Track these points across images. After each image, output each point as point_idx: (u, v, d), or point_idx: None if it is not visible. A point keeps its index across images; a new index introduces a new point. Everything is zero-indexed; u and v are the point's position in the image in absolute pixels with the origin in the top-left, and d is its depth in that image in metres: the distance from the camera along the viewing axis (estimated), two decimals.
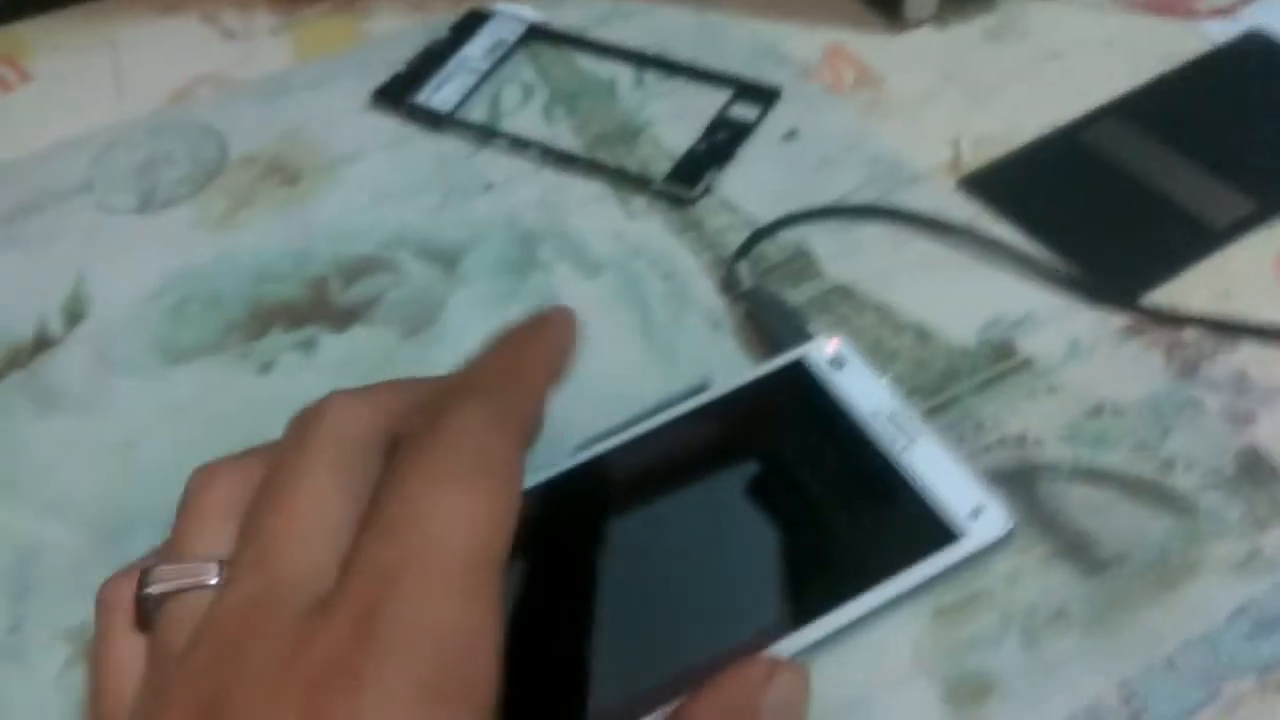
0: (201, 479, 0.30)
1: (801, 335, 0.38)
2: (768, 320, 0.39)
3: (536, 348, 0.31)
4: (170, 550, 0.29)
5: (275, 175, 0.49)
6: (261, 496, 0.28)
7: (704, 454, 0.35)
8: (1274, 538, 0.33)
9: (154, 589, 0.27)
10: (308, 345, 0.42)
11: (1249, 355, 0.37)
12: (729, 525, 0.33)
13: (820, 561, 0.32)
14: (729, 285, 0.41)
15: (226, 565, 0.27)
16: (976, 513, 0.32)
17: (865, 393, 0.35)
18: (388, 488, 0.26)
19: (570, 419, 0.37)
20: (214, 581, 0.26)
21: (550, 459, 0.36)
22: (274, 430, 0.39)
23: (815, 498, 0.33)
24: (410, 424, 0.28)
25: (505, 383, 0.29)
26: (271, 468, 0.28)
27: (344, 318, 0.42)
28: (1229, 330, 0.38)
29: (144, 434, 0.39)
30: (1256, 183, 0.43)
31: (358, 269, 0.44)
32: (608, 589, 0.31)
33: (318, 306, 0.43)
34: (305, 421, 0.29)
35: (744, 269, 0.42)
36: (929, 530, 0.32)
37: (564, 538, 0.33)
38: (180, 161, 0.50)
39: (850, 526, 0.33)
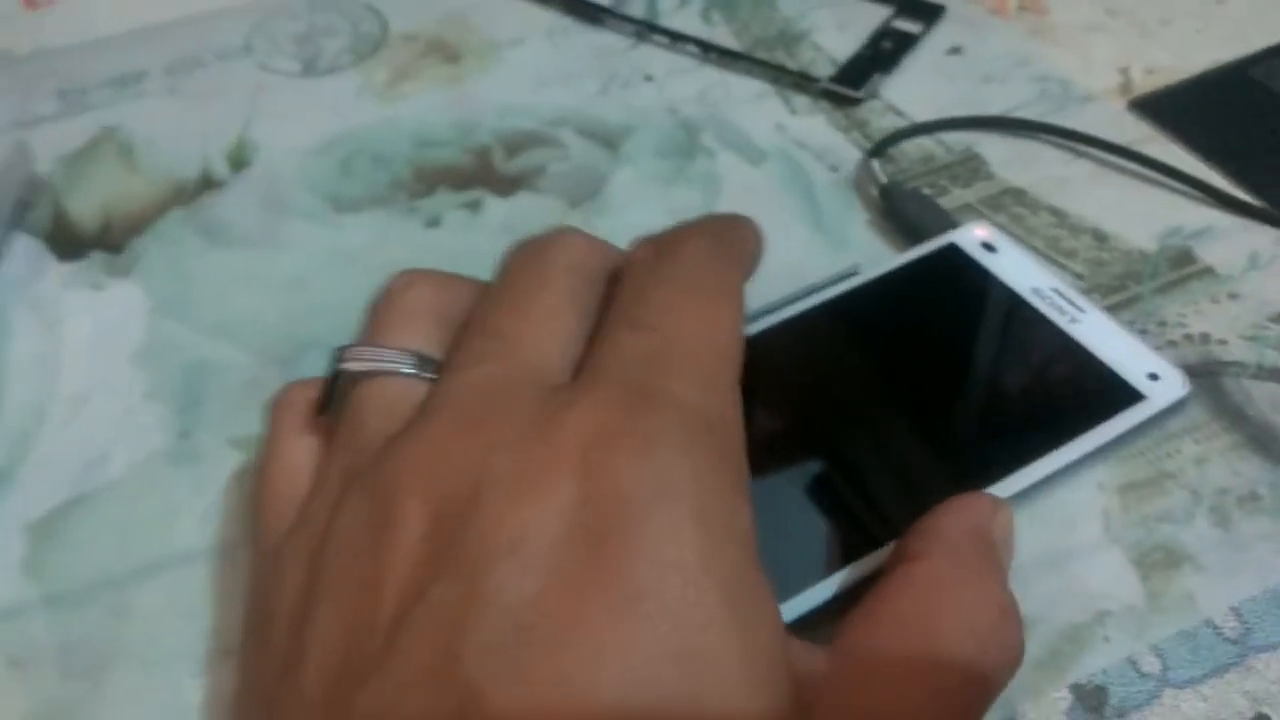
0: (405, 280, 0.30)
1: (949, 222, 0.38)
2: (911, 211, 0.39)
3: (739, 226, 0.31)
4: (365, 340, 0.28)
5: (436, 53, 0.49)
6: (489, 302, 0.27)
7: (872, 329, 0.35)
8: None
9: (351, 365, 0.26)
10: (474, 206, 0.42)
11: None
12: (907, 395, 0.33)
13: (1007, 422, 0.32)
14: (874, 179, 0.41)
15: (438, 363, 0.26)
16: (1154, 376, 0.32)
17: (1024, 272, 0.35)
18: (627, 297, 0.26)
19: (757, 305, 0.38)
20: (415, 373, 0.26)
21: None
22: None
23: (993, 367, 0.33)
24: (637, 258, 0.27)
25: (723, 231, 0.29)
26: (500, 286, 0.28)
27: (509, 184, 0.43)
28: None
29: (315, 272, 0.39)
30: None
31: (520, 142, 0.44)
32: (798, 464, 0.31)
33: (482, 172, 0.43)
34: (534, 249, 0.28)
35: (898, 165, 0.42)
36: (1110, 391, 0.32)
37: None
38: (341, 34, 0.50)
39: (1031, 390, 0.33)
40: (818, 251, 0.39)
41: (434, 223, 0.41)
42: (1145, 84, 0.45)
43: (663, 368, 0.23)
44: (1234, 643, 0.28)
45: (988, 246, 0.36)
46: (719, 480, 0.22)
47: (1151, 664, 0.28)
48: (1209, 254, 0.38)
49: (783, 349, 0.34)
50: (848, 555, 0.28)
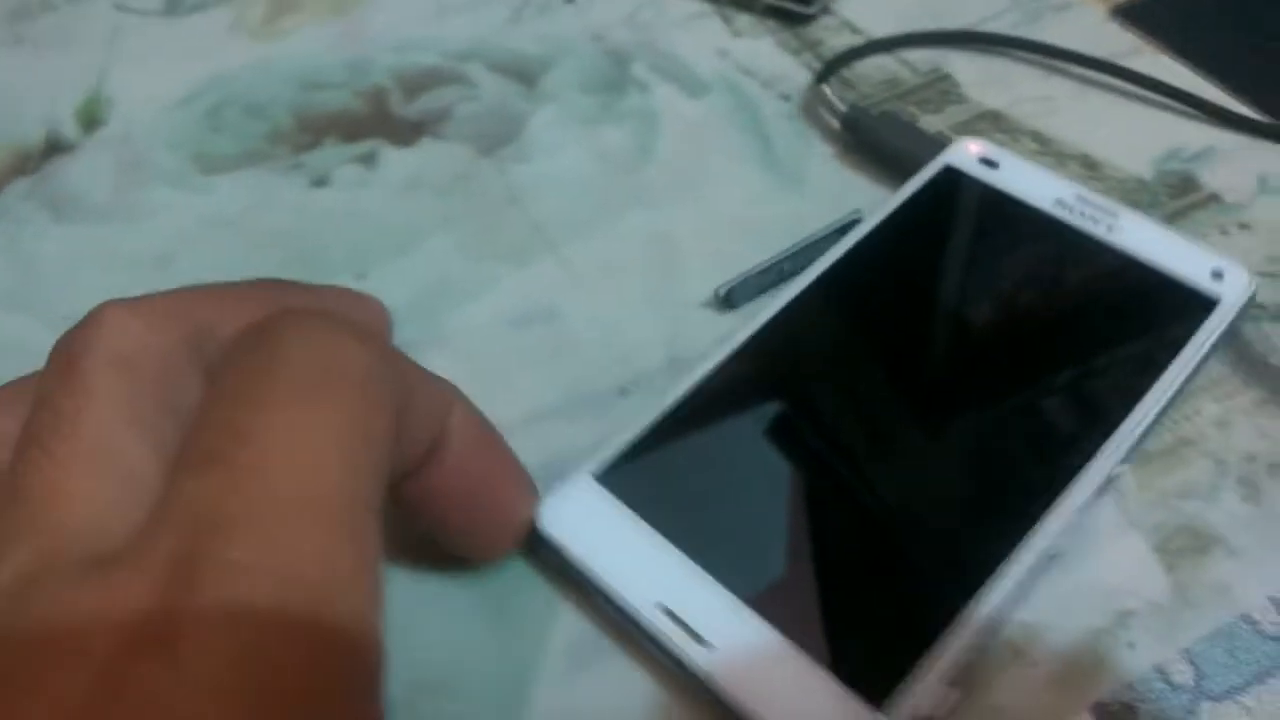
0: None
1: (934, 143, 0.33)
2: (885, 137, 0.34)
3: (360, 301, 0.25)
4: None
5: None
6: (25, 443, 0.18)
7: (904, 281, 0.30)
8: None
9: None
10: (369, 159, 0.36)
11: None
12: (970, 354, 0.28)
13: (1088, 368, 0.28)
14: (830, 106, 0.35)
15: None
16: (1218, 274, 0.29)
17: (1038, 184, 0.31)
18: (205, 415, 0.18)
19: (702, 255, 0.32)
20: None
21: (688, 300, 0.31)
22: (333, 247, 0.34)
23: (1049, 303, 0.29)
24: (232, 342, 0.20)
25: (338, 308, 0.23)
26: (36, 407, 0.19)
27: (409, 131, 0.37)
28: None
29: (183, 246, 0.33)
30: None
31: (421, 81, 0.38)
32: (876, 443, 0.27)
33: (377, 118, 0.37)
34: (72, 344, 0.19)
35: (852, 93, 0.37)
36: (1181, 302, 0.28)
37: (809, 380, 0.28)
38: None
39: (1099, 321, 0.28)
40: (774, 194, 0.34)
41: (321, 181, 0.35)
42: None
43: (225, 526, 0.17)
44: (1276, 640, 0.24)
45: (988, 162, 0.32)
46: (288, 699, 0.16)
47: (1184, 673, 0.24)
48: (1213, 179, 0.34)
49: (813, 325, 0.29)
50: (954, 545, 0.24)
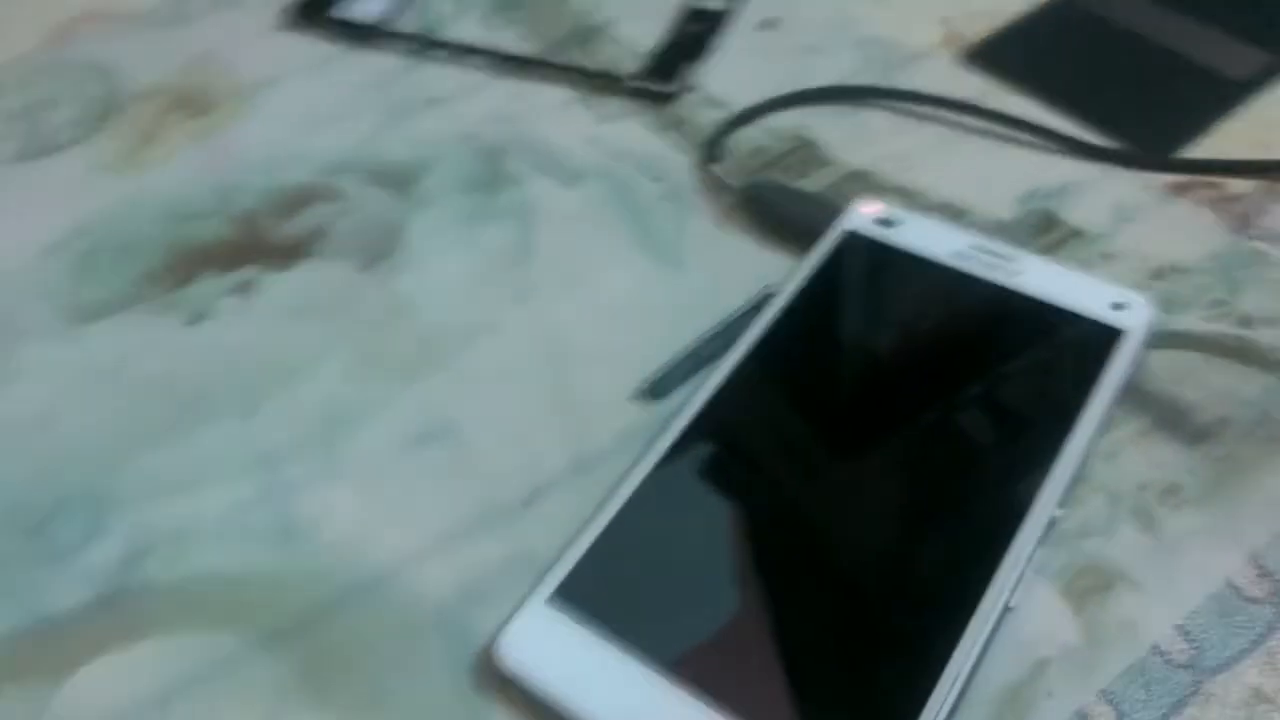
0: None
1: (831, 208, 0.34)
2: (783, 208, 0.35)
3: None
4: None
5: (181, 108, 0.42)
6: None
7: (826, 351, 0.30)
8: None
9: None
10: (246, 288, 0.35)
11: None
12: (899, 416, 0.29)
13: (1018, 411, 0.28)
14: (722, 182, 0.36)
15: None
16: (1119, 305, 0.30)
17: (935, 239, 0.32)
18: None
19: (595, 349, 0.32)
20: None
21: (588, 398, 0.31)
22: (218, 387, 0.33)
23: (966, 356, 0.30)
24: None
25: None
26: None
27: (286, 254, 0.36)
28: (1277, 172, 0.35)
29: (63, 403, 0.32)
30: (1266, 33, 0.40)
31: (294, 200, 0.38)
32: (816, 509, 0.27)
33: (251, 244, 0.37)
34: None
35: (731, 162, 0.37)
36: (1089, 337, 0.29)
37: (748, 464, 0.28)
38: (64, 104, 0.42)
39: (1015, 367, 0.29)
40: (658, 278, 0.34)
41: (200, 317, 0.34)
42: (972, 31, 0.42)
43: None
44: (1187, 668, 0.25)
45: (885, 222, 0.33)
46: None
47: (1104, 715, 0.24)
48: (1073, 212, 0.35)
49: (745, 407, 0.29)
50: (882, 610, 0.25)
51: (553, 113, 0.40)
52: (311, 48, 0.44)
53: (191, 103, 0.42)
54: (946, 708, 0.23)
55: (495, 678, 0.25)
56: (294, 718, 0.25)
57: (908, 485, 0.27)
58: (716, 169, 0.36)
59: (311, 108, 0.41)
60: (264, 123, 0.41)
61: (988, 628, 0.24)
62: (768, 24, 0.43)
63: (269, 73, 0.43)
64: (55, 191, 0.39)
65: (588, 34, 0.43)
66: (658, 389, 0.31)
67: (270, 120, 0.41)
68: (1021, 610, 0.26)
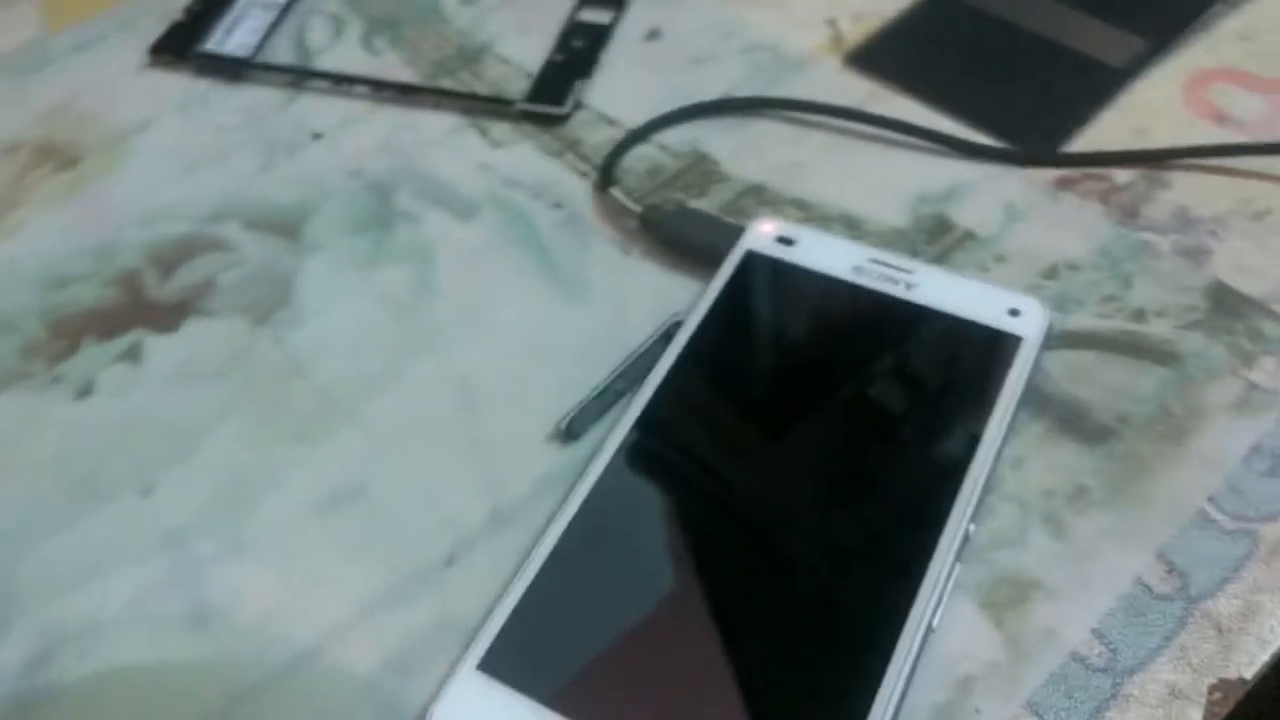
0: None
1: (732, 229, 0.34)
2: (682, 228, 0.35)
3: None
4: None
5: (46, 161, 0.40)
6: None
7: (733, 376, 0.31)
8: (1265, 369, 0.31)
9: None
10: (133, 354, 0.34)
11: (1184, 189, 0.35)
12: (810, 435, 0.29)
13: (924, 425, 0.29)
14: (622, 206, 0.36)
15: None
16: (1015, 312, 0.31)
17: (834, 254, 0.33)
18: None
19: (505, 391, 0.32)
20: None
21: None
22: (111, 463, 0.31)
23: (866, 371, 0.30)
24: None
25: None
26: None
27: (171, 313, 0.35)
28: (1160, 162, 0.36)
29: None
30: (1141, 17, 0.41)
31: (175, 254, 0.36)
32: (730, 537, 0.27)
33: (133, 306, 0.35)
34: None
35: (630, 183, 0.37)
36: (988, 345, 0.30)
37: (669, 500, 0.28)
38: None
39: (915, 379, 0.30)
40: (563, 309, 0.34)
41: (86, 390, 0.33)
42: (856, 33, 0.42)
43: None
44: (1104, 671, 0.26)
45: (785, 240, 0.33)
46: None
47: None
48: (964, 215, 0.35)
49: (661, 441, 0.29)
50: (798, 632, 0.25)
51: (442, 141, 0.39)
52: (181, 86, 0.42)
53: (56, 154, 0.40)
54: None
55: None
56: None
57: (825, 513, 0.28)
58: (615, 192, 0.36)
59: (185, 151, 0.40)
60: (137, 171, 0.39)
61: (914, 649, 0.25)
62: (653, 35, 0.43)
63: (137, 117, 0.41)
64: None
65: (473, 54, 0.42)
66: (572, 429, 0.31)
67: (143, 168, 0.39)
68: (943, 629, 0.26)
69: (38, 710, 0.26)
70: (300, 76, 0.42)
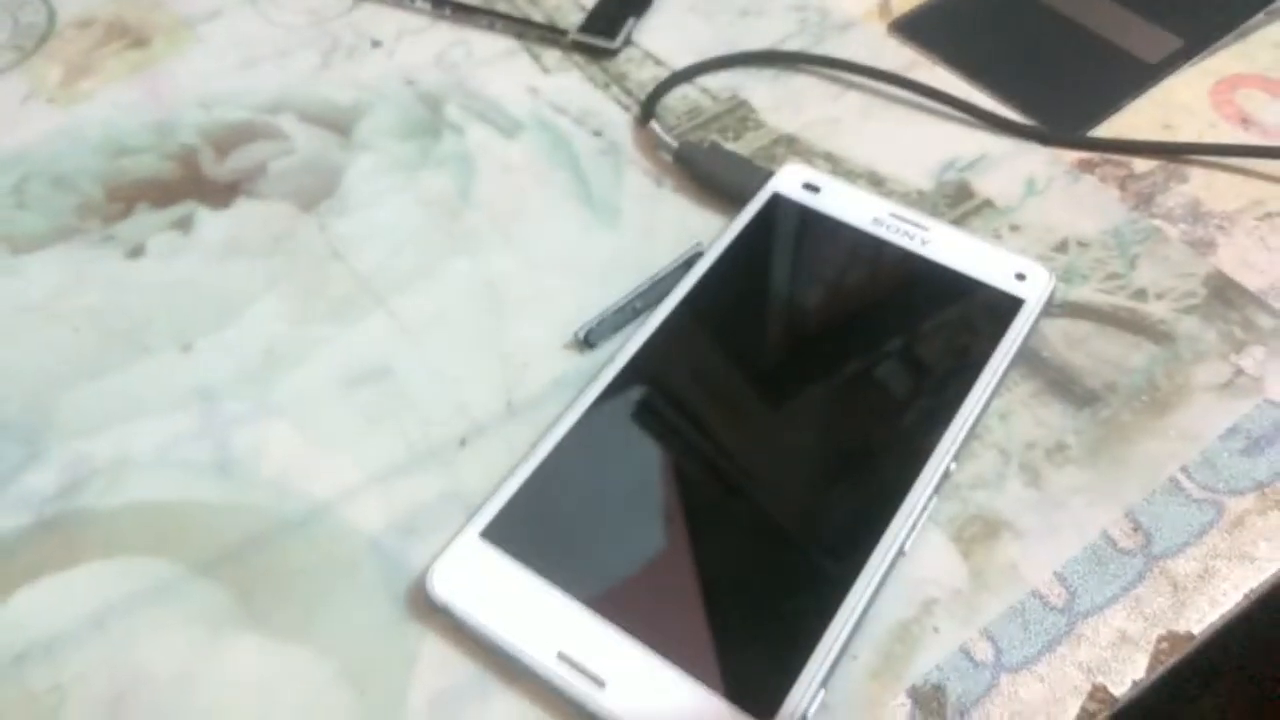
0: None
1: (761, 172, 0.35)
2: (717, 170, 0.36)
3: None
4: None
5: (117, 39, 0.42)
6: None
7: (748, 307, 0.32)
8: (1253, 357, 0.32)
9: None
10: (184, 224, 0.36)
11: (1200, 184, 0.37)
12: (816, 369, 0.31)
13: (922, 369, 0.30)
14: (659, 140, 0.37)
15: None
16: (1021, 276, 0.32)
17: (856, 204, 0.34)
18: None
19: (530, 298, 0.34)
20: None
21: (521, 344, 0.32)
22: (155, 321, 0.33)
23: (878, 316, 0.32)
24: None
25: None
26: None
27: (224, 191, 0.37)
28: (1180, 155, 0.37)
29: None
30: (1180, 20, 0.42)
31: (232, 137, 0.38)
32: (736, 464, 0.29)
33: (189, 180, 0.37)
34: None
35: (668, 120, 0.38)
36: (991, 304, 0.32)
37: (673, 411, 0.30)
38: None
39: (921, 329, 0.31)
40: (594, 231, 0.36)
41: (137, 252, 0.35)
42: (903, 2, 0.43)
43: None
44: (1061, 611, 0.27)
45: (810, 187, 0.35)
46: None
47: (984, 650, 0.27)
48: (986, 184, 0.37)
49: (673, 358, 0.31)
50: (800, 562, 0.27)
51: (495, 61, 0.41)
52: None
53: (127, 33, 0.42)
54: (843, 637, 0.25)
55: (427, 606, 0.27)
56: (232, 640, 0.27)
57: (819, 435, 0.29)
58: (654, 125, 0.37)
59: (250, 44, 0.41)
60: (202, 57, 0.41)
61: (883, 568, 0.26)
62: None
63: (207, 5, 0.43)
64: None
65: None
66: (590, 338, 0.32)
67: (208, 55, 0.41)
68: (914, 554, 0.28)
69: (66, 531, 0.29)
70: None
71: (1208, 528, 0.29)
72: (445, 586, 0.26)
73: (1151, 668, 0.27)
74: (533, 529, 0.27)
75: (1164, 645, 0.27)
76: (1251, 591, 0.28)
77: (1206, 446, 0.30)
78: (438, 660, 0.26)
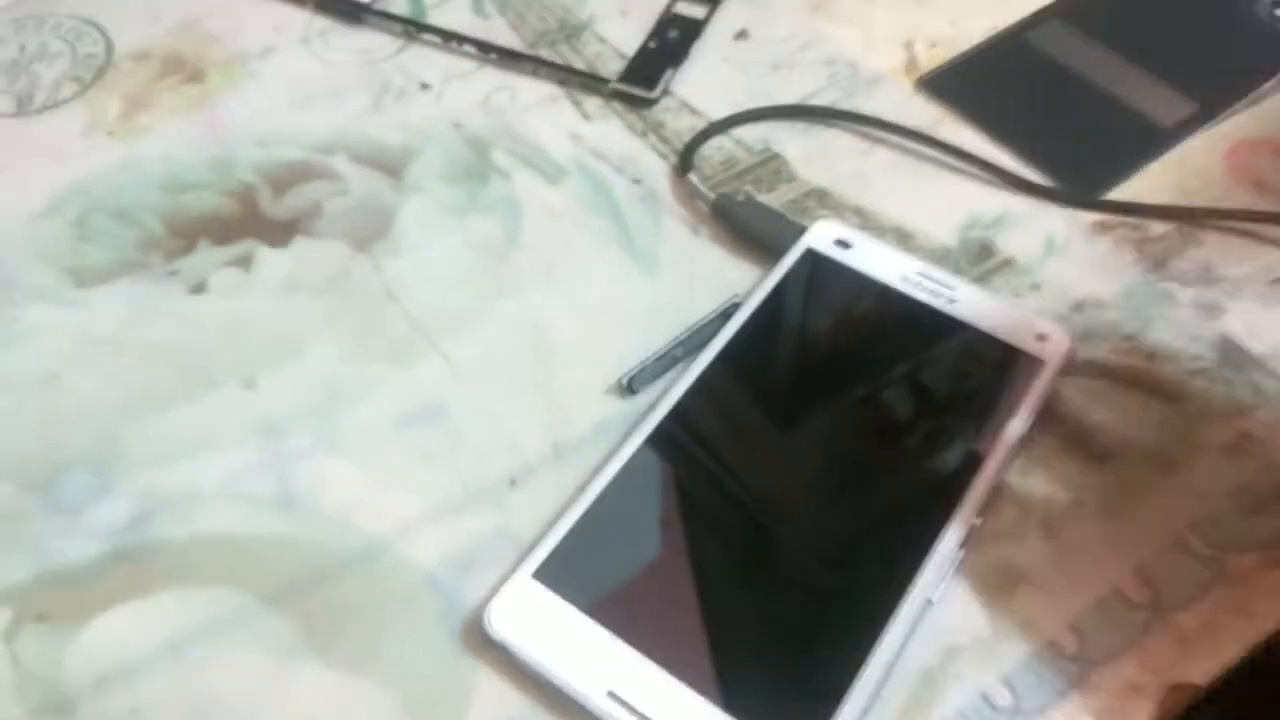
0: None
1: (795, 227, 0.37)
2: (754, 224, 0.38)
3: None
4: None
5: (174, 73, 0.43)
6: None
7: (784, 357, 0.34)
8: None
9: None
10: (245, 261, 0.37)
11: (1212, 248, 0.39)
12: (854, 419, 0.33)
13: (948, 424, 0.32)
14: (697, 190, 0.39)
15: None
16: (1042, 337, 0.34)
17: (886, 262, 0.36)
18: None
19: (574, 341, 0.35)
20: None
21: (566, 387, 0.34)
22: (218, 356, 0.35)
23: (906, 371, 0.33)
24: None
25: None
26: None
27: (282, 230, 0.38)
28: (1195, 220, 0.39)
29: (66, 365, 0.34)
30: (1196, 84, 0.44)
31: (288, 176, 0.40)
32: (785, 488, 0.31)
33: (248, 218, 0.39)
34: None
35: (704, 170, 0.40)
36: (1014, 364, 0.33)
37: (715, 458, 0.32)
38: (59, 57, 0.43)
39: (945, 385, 0.33)
40: (634, 278, 0.37)
41: (199, 288, 0.36)
42: (930, 59, 0.45)
43: None
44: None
45: (842, 244, 0.36)
46: None
47: (1003, 696, 0.29)
48: (1008, 243, 0.39)
49: (713, 405, 0.33)
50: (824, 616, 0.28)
51: (539, 106, 0.43)
52: (302, 21, 0.45)
53: (184, 67, 0.43)
54: (873, 684, 0.27)
55: (483, 642, 0.28)
56: (298, 670, 0.28)
57: (851, 490, 0.31)
58: (692, 178, 0.39)
59: (302, 83, 0.43)
60: (257, 94, 0.42)
61: (912, 618, 0.28)
62: (741, 35, 0.46)
63: (261, 43, 0.44)
64: (51, 149, 0.40)
65: (574, 30, 0.45)
66: (633, 384, 0.34)
67: (262, 92, 0.43)
68: (940, 604, 0.30)
69: (138, 560, 0.30)
70: (414, 28, 0.45)
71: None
72: (501, 625, 0.28)
73: (1159, 716, 0.28)
74: (582, 571, 0.29)
75: (1172, 696, 0.29)
76: (1251, 646, 0.30)
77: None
78: (494, 694, 0.28)
